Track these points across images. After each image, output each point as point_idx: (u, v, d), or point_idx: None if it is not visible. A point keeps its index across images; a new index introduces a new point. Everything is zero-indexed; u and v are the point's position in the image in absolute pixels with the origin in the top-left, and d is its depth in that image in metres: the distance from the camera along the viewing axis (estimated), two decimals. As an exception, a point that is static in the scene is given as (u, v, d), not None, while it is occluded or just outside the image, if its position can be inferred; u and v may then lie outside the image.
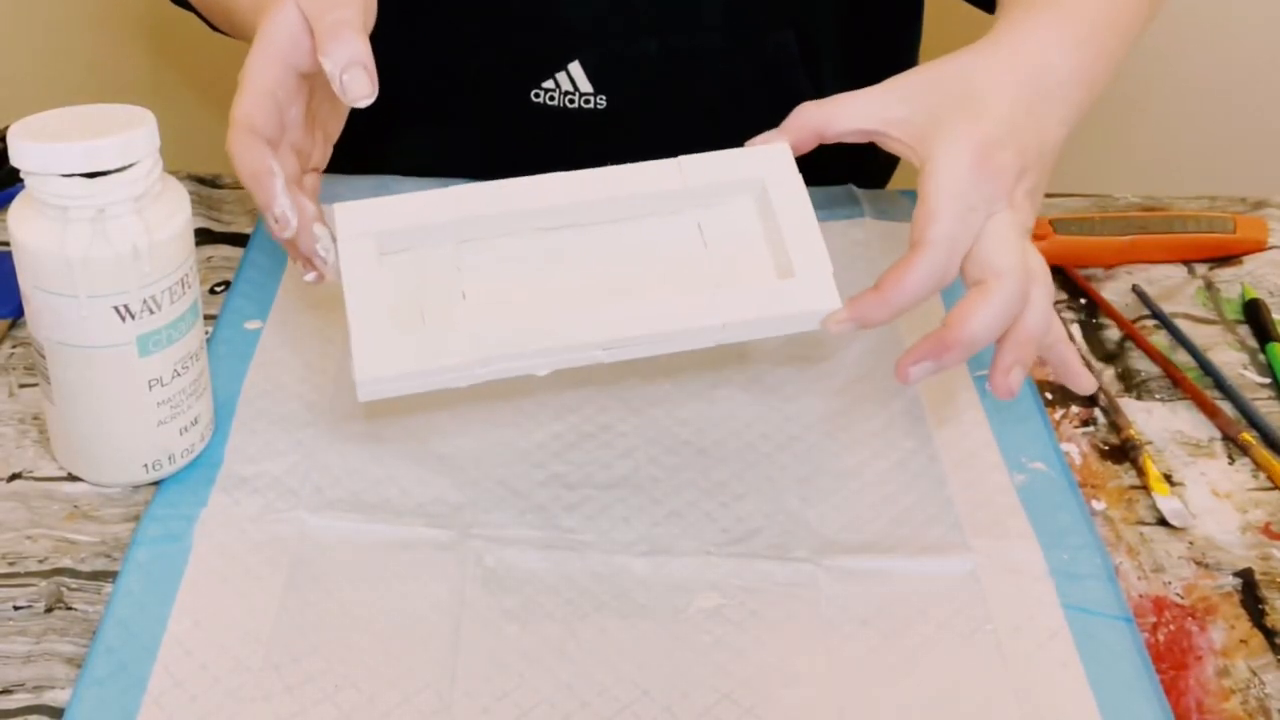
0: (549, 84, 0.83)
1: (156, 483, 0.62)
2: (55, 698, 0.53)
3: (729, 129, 0.85)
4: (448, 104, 0.87)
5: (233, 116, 0.60)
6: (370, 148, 0.91)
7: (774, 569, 0.59)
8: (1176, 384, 0.72)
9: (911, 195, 0.85)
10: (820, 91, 0.86)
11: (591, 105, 0.83)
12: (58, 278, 0.56)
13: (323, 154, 0.66)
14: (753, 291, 0.59)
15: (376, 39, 0.83)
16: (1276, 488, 0.65)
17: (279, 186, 0.59)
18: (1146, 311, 0.77)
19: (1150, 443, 0.68)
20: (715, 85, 0.85)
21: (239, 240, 0.79)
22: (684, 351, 0.65)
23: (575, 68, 0.82)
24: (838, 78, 0.89)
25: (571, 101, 0.83)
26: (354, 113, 0.91)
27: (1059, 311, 0.77)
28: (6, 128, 0.82)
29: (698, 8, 0.82)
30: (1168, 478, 0.66)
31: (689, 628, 0.57)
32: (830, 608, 0.58)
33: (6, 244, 0.76)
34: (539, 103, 0.84)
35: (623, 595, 0.58)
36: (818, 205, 0.83)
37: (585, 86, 0.83)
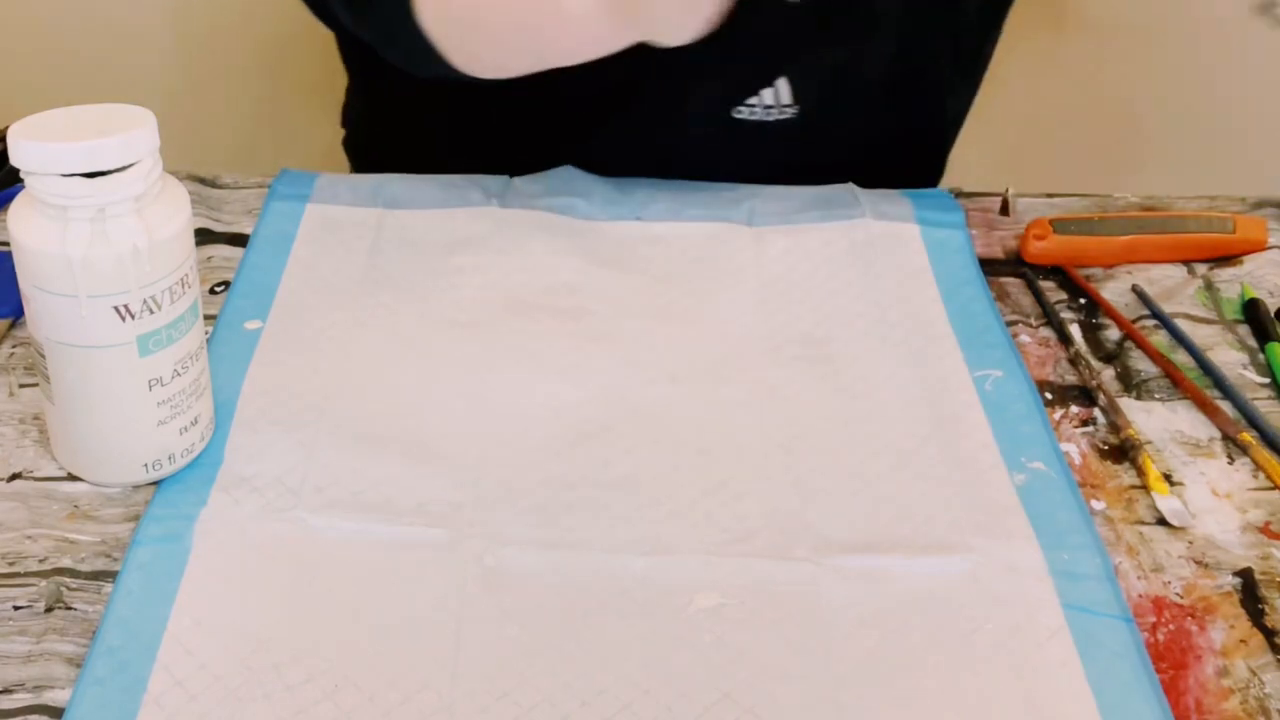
0: (752, 100, 0.85)
1: (156, 483, 0.62)
2: (55, 697, 0.53)
3: (890, 130, 0.88)
4: (649, 116, 0.87)
5: None
6: (566, 148, 0.87)
7: (774, 569, 0.59)
8: (1176, 384, 0.72)
9: (912, 196, 0.85)
10: (964, 104, 0.90)
11: (786, 116, 0.85)
12: (58, 278, 0.56)
13: None
14: None
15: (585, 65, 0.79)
16: (1276, 488, 0.65)
17: None
18: (1146, 311, 0.77)
19: (1150, 442, 0.68)
20: (882, 89, 0.88)
21: (239, 240, 0.79)
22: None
23: (782, 83, 0.85)
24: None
25: (770, 114, 0.85)
26: (560, 119, 0.88)
27: (1059, 311, 0.77)
28: (6, 128, 0.82)
29: (873, 15, 0.84)
30: (1167, 477, 0.66)
31: (689, 627, 0.57)
32: (830, 608, 0.58)
33: (6, 244, 0.76)
34: (739, 118, 0.85)
35: (623, 595, 0.58)
36: (818, 205, 0.84)
37: (786, 99, 0.85)
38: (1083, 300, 0.78)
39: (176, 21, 1.42)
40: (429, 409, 0.67)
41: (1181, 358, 0.74)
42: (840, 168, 0.87)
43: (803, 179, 0.86)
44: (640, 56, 0.73)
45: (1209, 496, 0.65)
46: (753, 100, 0.85)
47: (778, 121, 0.86)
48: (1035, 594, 0.58)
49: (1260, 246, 0.82)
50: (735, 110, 0.85)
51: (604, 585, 0.58)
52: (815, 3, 0.79)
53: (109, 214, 0.55)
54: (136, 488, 0.62)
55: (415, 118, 0.94)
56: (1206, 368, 0.73)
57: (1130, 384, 0.72)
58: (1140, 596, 0.59)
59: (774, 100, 0.85)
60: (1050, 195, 0.88)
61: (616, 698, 0.54)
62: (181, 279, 0.58)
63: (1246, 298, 0.78)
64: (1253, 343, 0.75)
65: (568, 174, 0.84)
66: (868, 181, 0.86)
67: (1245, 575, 0.60)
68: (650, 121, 0.87)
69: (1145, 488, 0.65)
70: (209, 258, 0.78)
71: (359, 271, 0.76)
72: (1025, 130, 1.45)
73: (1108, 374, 0.73)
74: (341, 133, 1.07)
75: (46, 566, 0.58)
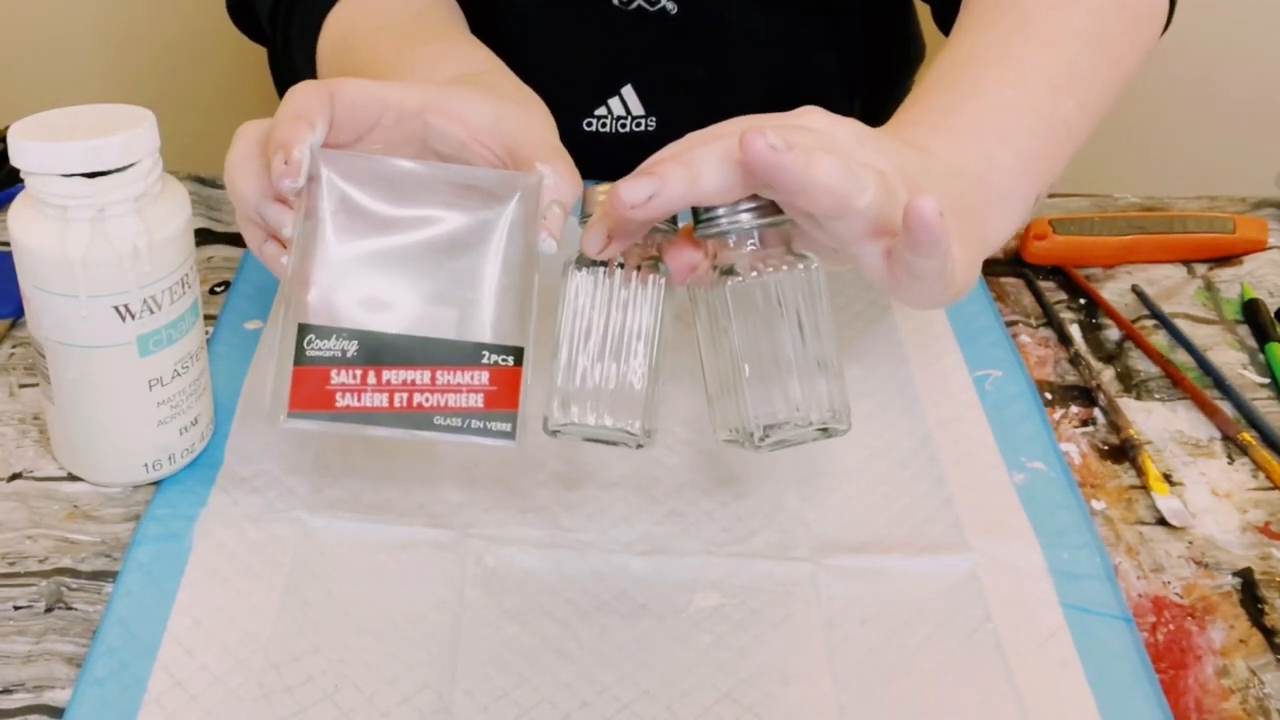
0: (601, 110, 0.84)
1: (156, 483, 0.62)
2: (55, 697, 0.53)
3: None
4: None
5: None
6: None
7: (774, 568, 0.59)
8: (1176, 384, 0.72)
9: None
10: (862, 115, 0.87)
11: (643, 128, 0.84)
12: (58, 278, 0.56)
13: None
14: None
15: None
16: (1276, 488, 0.65)
17: (312, 137, 0.54)
18: (1146, 311, 0.77)
19: (1150, 442, 0.68)
20: (759, 104, 0.85)
21: (239, 240, 0.79)
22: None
23: (628, 91, 0.84)
24: (864, 102, 0.90)
25: (623, 126, 0.84)
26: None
27: (1059, 311, 0.77)
28: (6, 128, 0.82)
29: (746, 34, 0.82)
30: (1167, 477, 0.66)
31: (689, 627, 0.57)
32: (830, 607, 0.58)
33: (6, 244, 0.76)
34: (590, 131, 0.85)
35: (623, 595, 0.58)
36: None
37: (637, 109, 0.84)
38: (1083, 300, 0.78)
39: (177, 21, 1.42)
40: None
41: (1181, 358, 0.74)
42: None
43: None
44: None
45: (1209, 496, 0.65)
46: (600, 111, 0.84)
47: (634, 134, 0.84)
48: (1035, 594, 0.58)
49: (1260, 247, 0.82)
50: (585, 122, 0.84)
51: (604, 585, 0.58)
52: (661, 15, 0.79)
53: (109, 214, 0.55)
54: (136, 488, 0.62)
55: None
56: (1206, 368, 0.73)
57: (1130, 384, 0.72)
58: (1140, 596, 0.59)
59: (624, 111, 0.84)
60: (1050, 195, 0.88)
61: (616, 698, 0.54)
62: (181, 279, 0.58)
63: (1246, 298, 0.78)
64: (1252, 343, 0.75)
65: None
66: None
67: (1245, 575, 0.60)
68: None
69: (1145, 488, 0.65)
70: (209, 258, 0.78)
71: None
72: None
73: (1108, 374, 0.73)
74: None
75: (47, 566, 0.58)
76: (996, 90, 0.61)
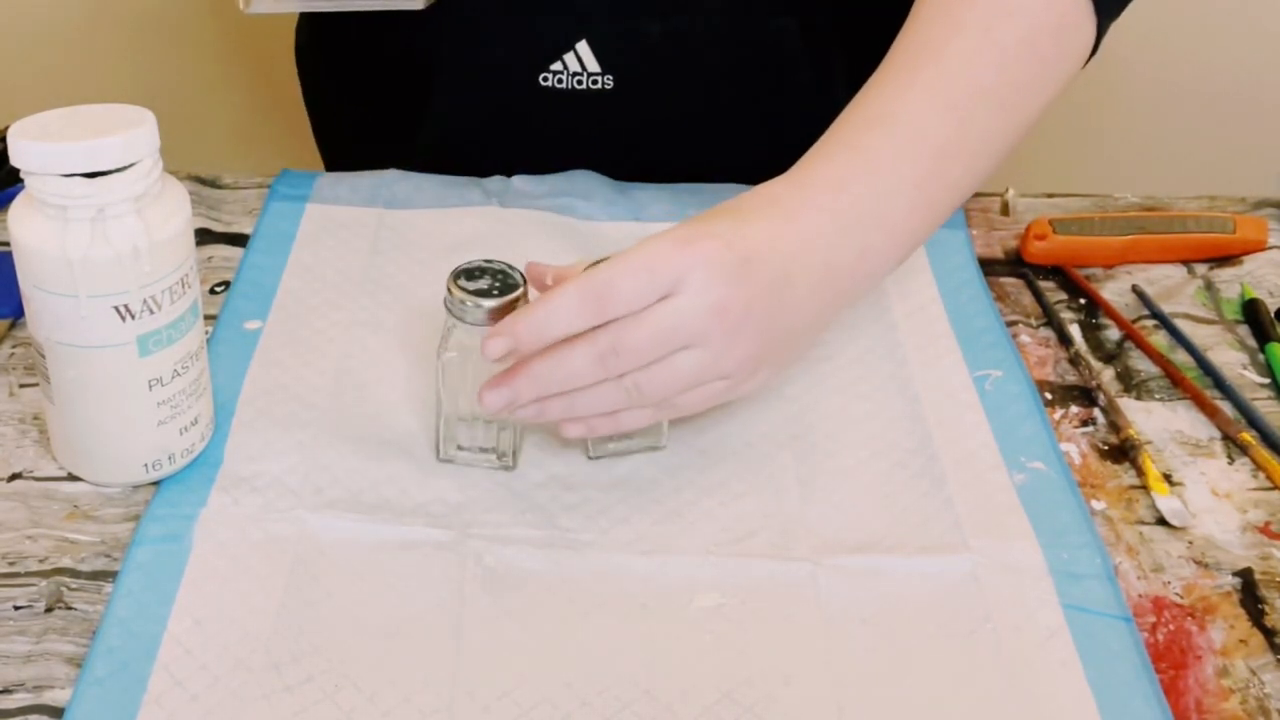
0: (557, 66, 0.83)
1: (156, 483, 0.62)
2: (55, 697, 0.53)
3: (732, 109, 0.86)
4: (455, 94, 0.87)
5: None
6: (377, 139, 0.92)
7: (774, 568, 0.59)
8: (1176, 384, 0.72)
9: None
10: (826, 81, 0.87)
11: (599, 86, 0.84)
12: (58, 278, 0.56)
13: None
14: None
15: (379, 30, 0.86)
16: (1276, 488, 0.65)
17: None
18: (1146, 311, 0.77)
19: (1150, 442, 0.68)
20: (717, 66, 0.85)
21: (239, 240, 0.79)
22: None
23: (583, 47, 0.83)
24: (846, 72, 0.89)
25: (579, 82, 0.84)
26: (359, 105, 0.94)
27: (1059, 311, 0.77)
28: (6, 128, 0.82)
29: None
30: (1167, 477, 0.66)
31: (689, 627, 0.57)
32: (830, 607, 0.58)
33: (6, 244, 0.76)
34: (547, 85, 0.84)
35: (623, 595, 0.58)
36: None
37: (593, 66, 0.83)
38: (1083, 300, 0.78)
39: (177, 21, 1.42)
40: (429, 409, 0.67)
41: (1181, 358, 0.74)
42: (684, 157, 0.85)
43: (638, 163, 0.84)
44: (432, 22, 0.77)
45: (1209, 496, 0.65)
46: (556, 66, 0.84)
47: (591, 92, 0.84)
48: (1035, 594, 0.58)
49: (1260, 247, 0.82)
50: (541, 77, 0.84)
51: (604, 585, 0.58)
52: None
53: (109, 214, 0.55)
54: (136, 488, 0.62)
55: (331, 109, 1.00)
56: (1206, 368, 0.73)
57: (1130, 384, 0.72)
58: (1140, 596, 0.59)
59: (580, 68, 0.84)
60: (1050, 195, 0.88)
61: (617, 697, 0.54)
62: (181, 279, 0.58)
63: (1246, 298, 0.78)
64: (1252, 343, 0.75)
65: (568, 174, 0.84)
66: (727, 167, 0.84)
67: (1245, 575, 0.60)
68: (459, 88, 0.87)
69: (1145, 488, 0.65)
70: (209, 258, 0.78)
71: (359, 271, 0.76)
72: (1025, 130, 1.44)
73: (1108, 374, 0.73)
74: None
75: (47, 566, 0.58)
76: (890, 166, 0.63)
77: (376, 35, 0.89)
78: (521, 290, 0.60)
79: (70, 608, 0.57)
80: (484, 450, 0.64)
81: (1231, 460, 0.67)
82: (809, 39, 0.86)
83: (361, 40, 0.91)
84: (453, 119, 0.88)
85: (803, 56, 0.86)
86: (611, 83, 0.84)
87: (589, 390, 0.58)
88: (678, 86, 0.85)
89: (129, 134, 0.55)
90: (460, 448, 0.64)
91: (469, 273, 0.61)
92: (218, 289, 0.75)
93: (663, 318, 0.56)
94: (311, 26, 0.96)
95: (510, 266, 0.61)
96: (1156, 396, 0.71)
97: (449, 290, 0.60)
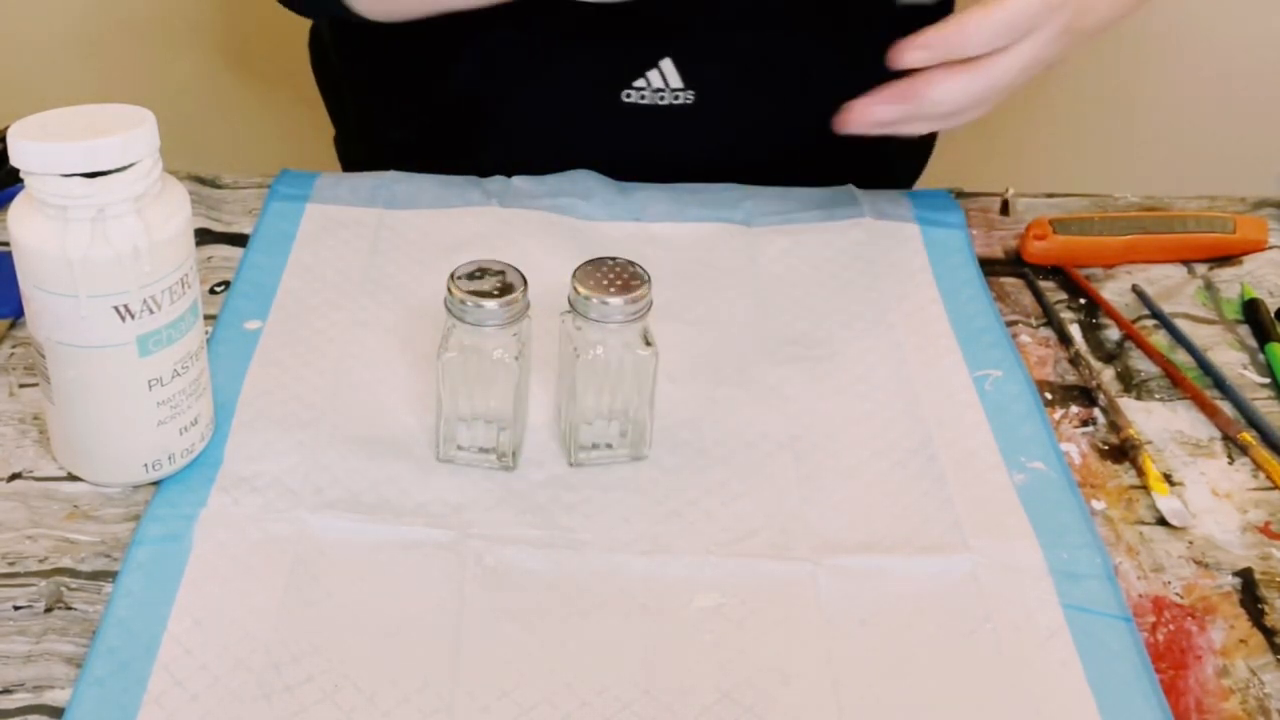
0: (640, 83, 0.83)
1: (156, 483, 0.62)
2: (55, 697, 0.53)
3: (811, 116, 0.85)
4: (535, 107, 0.86)
5: None
6: (455, 150, 0.90)
7: (774, 568, 0.59)
8: (1176, 384, 0.72)
9: (912, 196, 0.85)
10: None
11: (680, 101, 0.83)
12: (57, 278, 0.56)
13: None
14: None
15: (464, 44, 0.83)
16: (1276, 488, 0.65)
17: None
18: (1146, 311, 0.77)
19: (1150, 442, 0.68)
20: (799, 75, 0.85)
21: (239, 240, 0.79)
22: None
23: (667, 64, 0.83)
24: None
25: (661, 99, 0.83)
26: (435, 113, 0.90)
27: (1059, 311, 0.77)
28: (6, 127, 0.82)
29: (791, 6, 0.82)
30: (1167, 477, 0.66)
31: (689, 627, 0.57)
32: (830, 607, 0.58)
33: (6, 244, 0.76)
34: (630, 102, 0.84)
35: (623, 594, 0.58)
36: (818, 205, 0.84)
37: (675, 82, 0.83)
38: (1083, 300, 0.78)
39: (177, 21, 1.42)
40: (429, 409, 0.67)
41: (1182, 358, 0.74)
42: (762, 167, 0.85)
43: (717, 175, 0.84)
44: (514, 41, 0.79)
45: (1209, 496, 0.65)
46: (640, 83, 0.83)
47: (672, 107, 0.84)
48: (1035, 594, 0.58)
49: (1260, 247, 0.82)
50: (624, 94, 0.83)
51: (604, 585, 0.58)
52: None
53: (109, 214, 0.55)
54: (136, 488, 0.62)
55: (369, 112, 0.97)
56: (1207, 368, 0.73)
57: (1130, 384, 0.72)
58: (1140, 596, 0.59)
59: (663, 84, 0.83)
60: (1050, 195, 0.88)
61: (617, 697, 0.54)
62: (181, 279, 0.58)
63: (1246, 298, 0.78)
64: (1253, 343, 0.75)
65: (568, 174, 0.84)
66: (803, 181, 0.84)
67: (1245, 575, 0.60)
68: (538, 104, 0.86)
69: (1145, 488, 0.65)
70: (209, 258, 0.78)
71: (359, 271, 0.76)
72: (1025, 130, 1.45)
73: (1108, 374, 0.73)
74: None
75: (46, 566, 0.58)
76: None
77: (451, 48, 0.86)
78: (522, 289, 0.60)
79: (70, 608, 0.57)
80: (484, 450, 0.64)
81: (1232, 460, 0.67)
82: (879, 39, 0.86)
83: (427, 64, 0.89)
84: (517, 136, 0.87)
85: (876, 58, 0.86)
86: (692, 98, 0.83)
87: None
88: (758, 95, 0.85)
89: (129, 134, 0.55)
90: (460, 448, 0.64)
91: (470, 274, 0.61)
92: (218, 289, 0.75)
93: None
94: (373, 63, 0.94)
95: (510, 266, 0.61)
96: (1157, 396, 0.71)
97: (449, 291, 0.60)
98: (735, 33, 0.83)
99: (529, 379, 0.64)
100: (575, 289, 0.61)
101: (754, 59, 0.84)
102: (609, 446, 0.64)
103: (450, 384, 0.62)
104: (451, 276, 0.61)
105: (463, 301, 0.60)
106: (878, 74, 0.86)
